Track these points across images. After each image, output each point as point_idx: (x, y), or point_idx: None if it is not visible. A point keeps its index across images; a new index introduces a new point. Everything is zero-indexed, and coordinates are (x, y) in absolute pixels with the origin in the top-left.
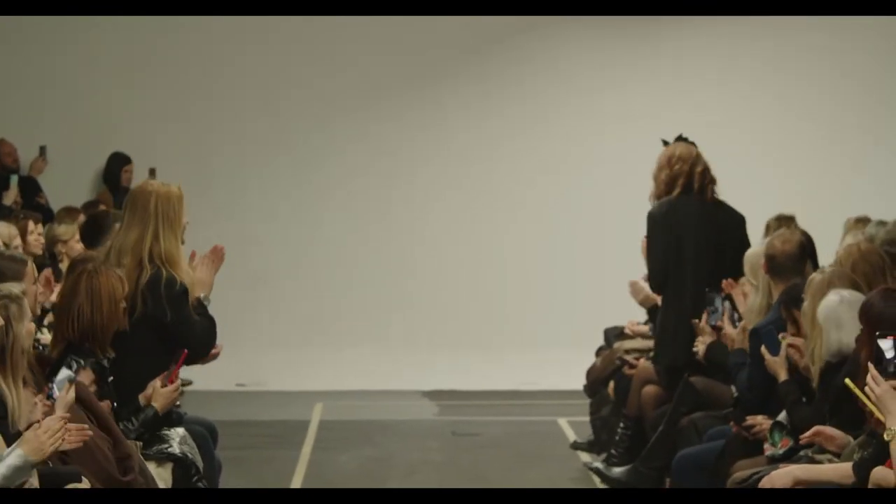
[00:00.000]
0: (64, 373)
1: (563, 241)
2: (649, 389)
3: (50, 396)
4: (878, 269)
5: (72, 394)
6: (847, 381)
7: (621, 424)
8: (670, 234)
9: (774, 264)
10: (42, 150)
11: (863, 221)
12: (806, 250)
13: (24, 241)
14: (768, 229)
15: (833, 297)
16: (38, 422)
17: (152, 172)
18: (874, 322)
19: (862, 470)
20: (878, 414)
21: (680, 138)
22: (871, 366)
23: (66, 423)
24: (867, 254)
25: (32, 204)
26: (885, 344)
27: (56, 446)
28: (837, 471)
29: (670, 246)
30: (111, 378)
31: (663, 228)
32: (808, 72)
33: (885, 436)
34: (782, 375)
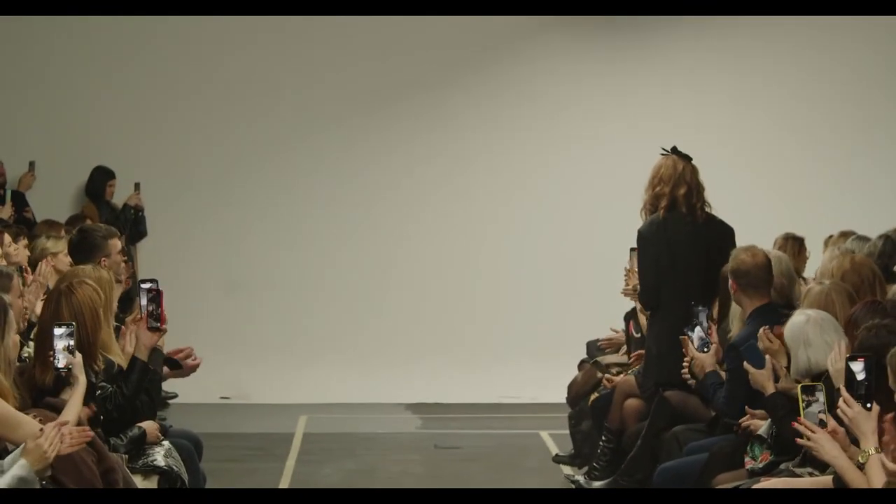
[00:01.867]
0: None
1: (545, 254)
2: (631, 403)
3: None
4: (868, 281)
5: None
6: (795, 423)
7: (603, 437)
8: (661, 252)
9: (750, 278)
10: (31, 164)
11: (846, 235)
12: (772, 265)
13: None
14: (775, 246)
15: (800, 317)
16: (41, 429)
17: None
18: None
19: (841, 483)
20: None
21: (674, 151)
22: (842, 389)
23: (62, 428)
24: (860, 266)
25: (20, 218)
26: (855, 366)
27: (57, 452)
28: (817, 484)
29: (661, 264)
30: (99, 392)
31: (654, 246)
32: (793, 81)
33: (859, 458)
34: (769, 388)
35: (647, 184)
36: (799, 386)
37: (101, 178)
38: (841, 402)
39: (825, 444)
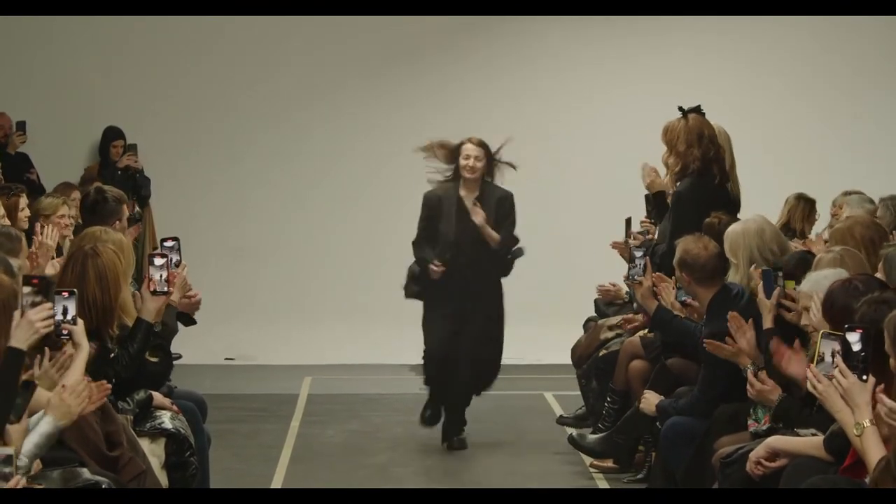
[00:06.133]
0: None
1: (549, 215)
2: (636, 364)
3: None
4: (881, 236)
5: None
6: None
7: (608, 398)
8: (696, 215)
9: (706, 271)
10: (21, 125)
11: (852, 195)
12: (757, 236)
13: (16, 217)
14: (786, 206)
15: (819, 275)
16: (63, 386)
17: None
18: (838, 316)
19: (832, 444)
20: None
21: (696, 110)
22: (839, 359)
23: (89, 384)
24: (869, 223)
25: (23, 179)
26: (852, 337)
27: (83, 407)
28: (811, 443)
29: (696, 227)
30: (112, 355)
31: (693, 208)
32: (800, 49)
33: (854, 430)
34: (768, 321)
35: (692, 142)
36: (821, 332)
37: (107, 138)
38: (837, 373)
39: (832, 395)
